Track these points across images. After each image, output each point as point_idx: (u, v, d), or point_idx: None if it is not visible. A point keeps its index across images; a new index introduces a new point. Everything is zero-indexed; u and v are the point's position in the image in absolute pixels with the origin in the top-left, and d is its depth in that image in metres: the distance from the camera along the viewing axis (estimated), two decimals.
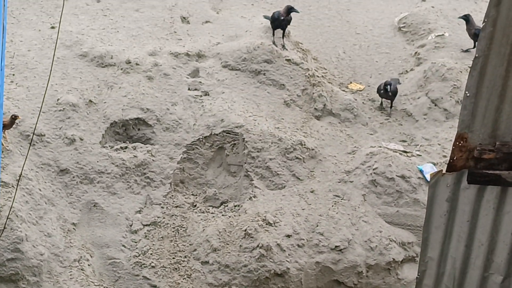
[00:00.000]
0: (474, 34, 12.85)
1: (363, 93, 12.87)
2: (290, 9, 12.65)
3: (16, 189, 9.68)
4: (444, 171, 7.33)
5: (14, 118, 10.82)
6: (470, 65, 12.89)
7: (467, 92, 6.75)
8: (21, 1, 13.53)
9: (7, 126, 10.75)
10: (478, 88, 6.77)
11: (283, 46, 12.68)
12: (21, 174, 9.94)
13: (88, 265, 10.70)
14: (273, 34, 12.83)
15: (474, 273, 6.97)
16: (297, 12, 12.79)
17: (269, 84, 12.35)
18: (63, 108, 11.59)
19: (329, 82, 12.71)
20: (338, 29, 14.19)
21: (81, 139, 11.46)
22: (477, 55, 6.62)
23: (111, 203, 11.22)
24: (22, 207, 10.47)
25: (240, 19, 13.91)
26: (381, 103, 12.43)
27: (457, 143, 7.06)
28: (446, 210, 6.99)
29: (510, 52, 6.57)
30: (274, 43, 12.69)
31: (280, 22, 12.72)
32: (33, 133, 10.66)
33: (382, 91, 12.15)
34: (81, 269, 10.46)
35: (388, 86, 12.00)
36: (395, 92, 12.10)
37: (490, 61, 6.62)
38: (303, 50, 13.17)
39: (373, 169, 11.22)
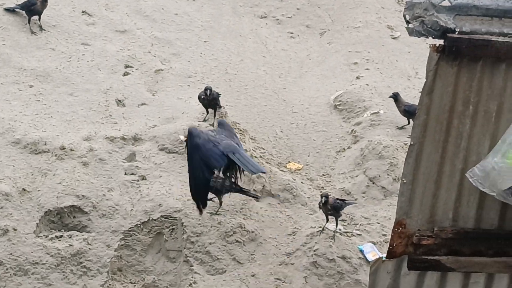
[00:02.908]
0: (404, 111, 13.05)
1: (302, 173, 12.85)
2: (205, 89, 12.64)
3: None
4: (384, 257, 7.32)
5: None
6: (405, 142, 13.06)
7: (403, 179, 6.80)
8: None
9: None
10: (415, 174, 6.83)
11: (212, 125, 12.64)
12: None
13: None
14: (207, 113, 12.83)
15: None
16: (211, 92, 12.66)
17: None
18: None
19: (267, 162, 12.68)
20: (275, 108, 14.24)
21: (15, 229, 11.15)
22: (412, 143, 6.69)
23: None
24: None
25: (177, 101, 13.87)
26: None
27: (396, 229, 7.09)
28: None
29: (444, 139, 6.67)
30: (212, 124, 12.68)
31: (202, 101, 12.75)
32: None
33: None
34: None
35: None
36: None
37: (425, 148, 6.71)
38: (240, 130, 13.14)
39: (314, 251, 11.13)
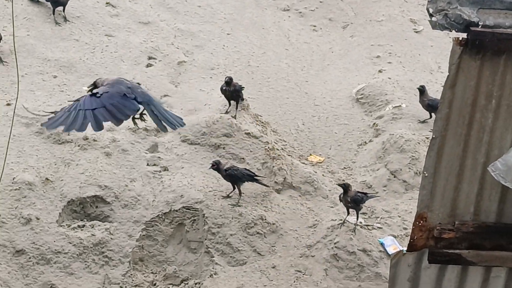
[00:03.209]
0: (428, 105, 13.01)
1: (323, 165, 12.87)
2: (226, 79, 12.67)
3: None
4: (405, 250, 7.32)
5: None
6: (427, 136, 13.03)
7: (425, 173, 6.81)
8: None
9: None
10: (436, 168, 6.83)
11: (234, 117, 12.68)
12: None
13: None
14: (229, 105, 12.86)
15: None
16: (231, 81, 12.66)
17: (228, 158, 12.29)
18: (19, 187, 11.40)
19: (288, 155, 12.70)
20: (297, 101, 14.26)
21: (38, 219, 11.25)
22: (434, 136, 6.69)
23: (69, 283, 10.97)
24: None
25: (199, 92, 13.93)
26: None
27: (417, 222, 7.10)
28: None
29: (466, 132, 6.66)
30: (234, 116, 12.71)
31: (224, 93, 12.78)
32: None
33: None
34: None
35: None
36: None
37: (447, 142, 6.70)
38: (262, 122, 13.18)
39: (335, 243, 11.15)
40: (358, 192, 11.34)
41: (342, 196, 11.12)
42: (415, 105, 13.41)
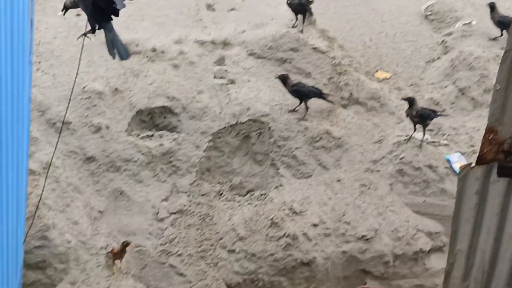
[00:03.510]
0: (499, 22, 12.76)
1: (390, 82, 12.79)
2: None
3: (46, 177, 9.72)
4: (473, 164, 7.29)
5: (125, 245, 10.27)
6: (498, 54, 12.78)
7: (497, 85, 6.71)
8: None
9: (117, 254, 10.25)
10: (509, 81, 6.73)
11: (301, 31, 12.62)
12: (50, 162, 9.97)
13: None
14: (296, 19, 12.80)
15: (504, 266, 6.95)
16: None
17: (295, 72, 12.29)
18: (89, 96, 11.60)
19: (355, 71, 12.65)
20: (364, 17, 14.11)
21: (107, 127, 11.48)
22: (507, 49, 6.57)
23: (137, 191, 11.24)
24: (49, 194, 10.52)
25: (266, 7, 13.86)
26: None
27: (487, 136, 7.03)
28: (476, 203, 6.97)
29: None
30: (301, 31, 12.65)
31: (291, 6, 12.70)
32: (63, 122, 10.66)
33: None
34: (108, 258, 10.50)
35: None
36: None
37: None
38: (329, 38, 13.09)
39: (400, 159, 11.15)
40: (425, 108, 11.27)
41: (408, 110, 11.06)
42: (485, 22, 13.17)
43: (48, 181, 10.14)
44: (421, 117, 10.99)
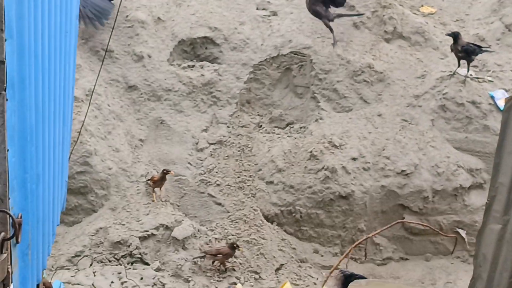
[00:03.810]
0: None
1: (435, 17, 12.56)
2: None
3: (90, 104, 9.77)
4: None
5: (165, 173, 10.31)
6: None
7: None
8: None
9: (157, 182, 10.32)
10: None
11: None
12: (93, 89, 10.01)
13: None
14: None
15: None
16: None
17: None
18: (132, 25, 11.59)
19: (400, 5, 12.43)
20: None
21: (149, 56, 11.48)
22: None
23: (178, 120, 11.28)
24: (91, 121, 10.60)
25: None
26: None
27: None
28: None
29: None
30: None
31: None
32: (106, 50, 10.68)
33: None
34: (148, 185, 10.60)
35: None
36: None
37: None
38: None
39: (443, 94, 11.00)
40: (470, 43, 11.06)
41: (452, 45, 10.86)
42: None
43: (90, 108, 10.21)
44: (466, 52, 10.79)
